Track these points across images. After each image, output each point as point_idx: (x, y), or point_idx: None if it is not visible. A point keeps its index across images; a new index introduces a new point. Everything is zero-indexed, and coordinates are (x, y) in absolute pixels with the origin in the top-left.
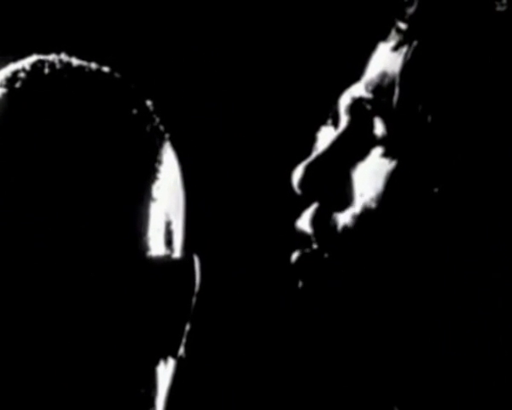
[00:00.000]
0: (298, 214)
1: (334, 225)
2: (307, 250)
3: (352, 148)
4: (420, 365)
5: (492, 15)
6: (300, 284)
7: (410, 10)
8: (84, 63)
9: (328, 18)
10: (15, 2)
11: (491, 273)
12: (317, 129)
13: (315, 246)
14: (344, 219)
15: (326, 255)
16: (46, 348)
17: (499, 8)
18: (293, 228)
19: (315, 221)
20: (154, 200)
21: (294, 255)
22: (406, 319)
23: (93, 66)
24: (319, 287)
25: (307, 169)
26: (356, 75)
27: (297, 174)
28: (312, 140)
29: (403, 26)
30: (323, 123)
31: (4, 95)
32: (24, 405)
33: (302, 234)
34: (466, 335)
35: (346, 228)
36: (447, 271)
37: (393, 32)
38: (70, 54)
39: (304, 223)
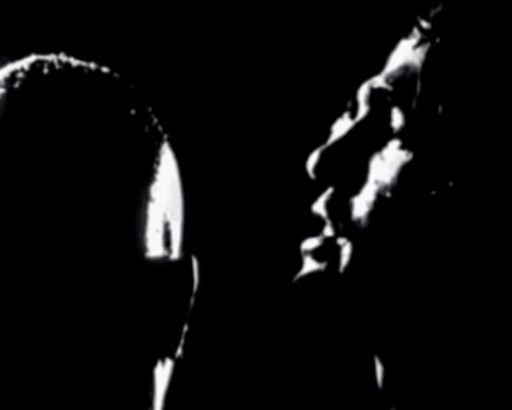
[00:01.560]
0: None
1: (348, 210)
2: (321, 236)
3: (369, 137)
4: (419, 364)
5: None
6: (310, 268)
7: (435, 11)
8: (83, 63)
9: (343, 13)
10: (14, 2)
11: (494, 272)
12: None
13: (329, 231)
14: (357, 204)
15: (340, 240)
16: (45, 349)
17: None
18: (291, 228)
19: (329, 205)
20: (152, 201)
21: (307, 242)
22: (406, 314)
23: (92, 66)
24: (330, 270)
25: (323, 154)
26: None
27: (312, 159)
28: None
29: (425, 24)
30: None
31: (3, 95)
32: (23, 405)
33: (318, 217)
34: (466, 335)
35: (358, 214)
36: (455, 266)
37: (415, 30)
38: (69, 54)
39: (319, 206)
